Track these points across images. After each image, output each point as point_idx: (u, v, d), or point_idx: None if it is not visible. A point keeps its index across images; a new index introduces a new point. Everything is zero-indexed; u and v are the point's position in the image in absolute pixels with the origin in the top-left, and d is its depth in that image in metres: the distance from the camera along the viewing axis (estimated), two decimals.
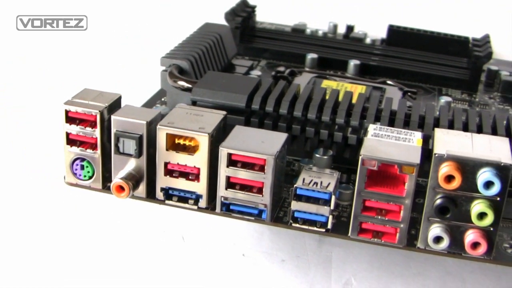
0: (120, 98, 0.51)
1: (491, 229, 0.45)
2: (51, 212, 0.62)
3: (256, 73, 0.70)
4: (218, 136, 0.48)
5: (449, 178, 0.44)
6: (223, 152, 0.47)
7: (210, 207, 0.49)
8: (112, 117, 0.48)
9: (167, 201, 0.50)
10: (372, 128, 0.49)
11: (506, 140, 0.46)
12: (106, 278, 0.55)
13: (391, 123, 0.52)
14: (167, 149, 0.48)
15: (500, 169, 0.43)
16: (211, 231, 0.60)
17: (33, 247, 0.57)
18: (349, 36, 0.85)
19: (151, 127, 0.48)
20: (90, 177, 0.51)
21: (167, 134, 0.47)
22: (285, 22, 0.91)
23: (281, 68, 0.73)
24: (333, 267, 0.57)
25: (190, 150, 0.48)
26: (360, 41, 0.84)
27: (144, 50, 0.71)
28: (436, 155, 0.44)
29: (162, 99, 0.65)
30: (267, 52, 0.78)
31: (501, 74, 0.76)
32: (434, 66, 0.76)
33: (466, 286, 0.56)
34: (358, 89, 0.68)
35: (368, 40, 0.84)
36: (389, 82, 0.72)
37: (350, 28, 0.87)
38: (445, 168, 0.44)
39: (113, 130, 0.48)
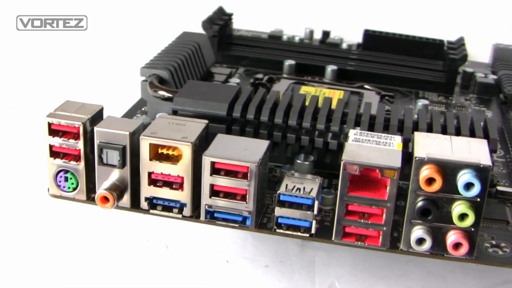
0: (102, 109, 0.51)
1: (472, 229, 0.45)
2: (35, 224, 0.61)
3: (235, 80, 0.71)
4: (200, 145, 0.49)
5: (430, 181, 0.45)
6: (206, 161, 0.47)
7: (195, 215, 0.50)
8: (95, 128, 0.48)
9: (151, 211, 0.50)
10: (352, 133, 0.49)
11: (484, 142, 0.47)
12: None
13: (371, 127, 0.53)
14: (150, 159, 0.48)
15: (480, 171, 0.44)
16: (194, 239, 0.60)
17: (17, 259, 0.57)
18: (325, 42, 0.86)
19: (134, 137, 0.49)
20: (74, 189, 0.51)
21: (150, 144, 0.48)
22: (261, 29, 0.92)
23: (260, 75, 0.74)
24: (317, 271, 0.58)
25: (173, 159, 0.48)
26: (336, 46, 0.84)
27: (143, 51, 0.71)
28: (417, 158, 0.45)
29: (143, 109, 0.65)
30: (245, 60, 0.78)
31: (476, 76, 0.77)
32: (410, 70, 0.77)
33: (448, 286, 0.57)
34: (336, 94, 0.68)
35: (344, 45, 0.85)
36: (366, 86, 0.72)
37: (326, 34, 0.88)
38: (426, 171, 0.44)
39: (96, 142, 0.49)
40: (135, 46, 0.96)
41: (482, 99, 0.74)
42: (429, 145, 0.46)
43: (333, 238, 0.48)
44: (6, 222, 0.62)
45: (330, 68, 0.75)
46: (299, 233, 0.48)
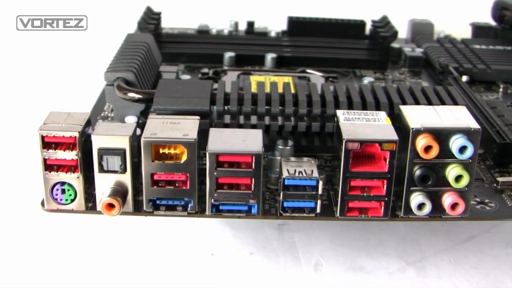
0: (90, 117, 0.51)
1: (466, 189, 0.49)
2: (26, 240, 0.60)
3: (185, 77, 0.71)
4: (199, 141, 0.49)
5: (427, 149, 0.48)
6: (210, 155, 0.48)
7: (199, 211, 0.50)
8: (93, 136, 0.48)
9: (155, 212, 0.50)
10: (340, 113, 0.51)
11: (463, 108, 0.51)
12: None
13: (350, 107, 0.55)
14: (152, 160, 0.48)
15: (471, 134, 0.48)
16: (173, 238, 0.61)
17: (14, 272, 0.56)
18: (253, 32, 0.88)
19: (132, 140, 0.48)
20: (72, 200, 0.50)
21: (152, 145, 0.48)
22: (184, 26, 0.92)
23: (205, 70, 0.75)
24: (300, 251, 0.60)
25: (174, 158, 0.49)
26: (265, 35, 0.86)
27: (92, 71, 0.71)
28: (413, 129, 0.48)
29: (102, 114, 0.64)
30: (183, 56, 0.79)
31: (404, 51, 0.82)
32: (342, 51, 0.80)
33: (423, 248, 0.61)
34: (285, 80, 0.70)
35: (272, 34, 0.87)
36: (308, 70, 0.75)
37: (250, 24, 0.89)
38: (423, 140, 0.47)
39: (95, 149, 0.48)
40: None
41: (414, 72, 0.79)
42: (419, 116, 0.49)
43: (337, 215, 0.50)
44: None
45: (270, 56, 0.77)
46: (304, 214, 0.50)
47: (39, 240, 0.60)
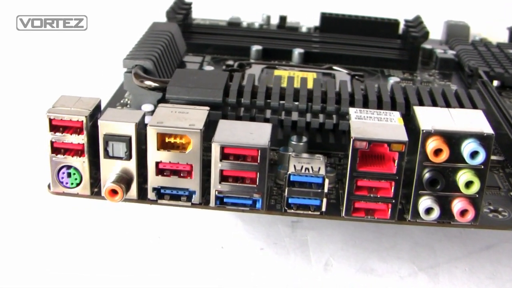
0: (100, 102, 0.51)
1: (477, 196, 0.48)
2: (34, 220, 0.61)
3: (209, 68, 0.71)
4: (206, 132, 0.49)
5: (437, 152, 0.46)
6: (216, 147, 0.47)
7: (203, 202, 0.50)
8: (100, 121, 0.48)
9: (159, 201, 0.50)
10: (353, 111, 0.50)
11: (480, 112, 0.50)
12: (86, 279, 0.55)
13: (365, 105, 0.54)
14: (158, 149, 0.48)
15: (483, 139, 0.46)
16: (185, 228, 0.60)
17: (19, 257, 0.56)
18: (284, 26, 0.87)
19: (139, 128, 0.48)
20: (78, 184, 0.50)
21: (158, 133, 0.48)
22: (217, 17, 0.92)
23: (230, 62, 0.74)
24: (311, 250, 0.59)
25: (180, 147, 0.48)
26: (296, 30, 0.86)
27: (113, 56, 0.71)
28: (424, 131, 0.46)
29: (122, 101, 0.65)
30: (210, 47, 0.78)
31: (436, 52, 0.80)
32: (372, 49, 0.79)
33: (437, 254, 0.59)
34: (310, 76, 0.70)
35: (303, 29, 0.86)
36: (335, 67, 0.74)
37: (283, 19, 0.89)
38: (433, 143, 0.46)
39: (101, 135, 0.48)
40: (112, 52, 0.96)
41: (444, 74, 0.77)
42: (431, 118, 0.48)
43: (343, 214, 0.49)
44: (6, 221, 0.61)
45: (297, 51, 0.76)
46: (309, 212, 0.49)
47: (46, 223, 0.60)
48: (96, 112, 0.50)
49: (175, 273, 0.56)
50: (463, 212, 0.48)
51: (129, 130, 0.48)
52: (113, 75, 0.80)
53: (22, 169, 0.67)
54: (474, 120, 0.48)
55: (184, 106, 0.51)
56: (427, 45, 0.80)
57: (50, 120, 0.49)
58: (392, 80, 0.70)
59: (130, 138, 0.48)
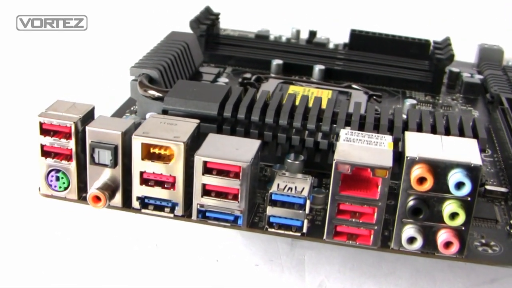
0: (93, 109, 0.51)
1: (463, 228, 0.46)
2: (26, 223, 0.61)
3: (223, 80, 0.71)
4: (192, 145, 0.49)
5: (421, 180, 0.45)
6: (198, 160, 0.47)
7: (186, 215, 0.50)
8: (87, 128, 0.48)
9: (143, 210, 0.50)
10: (343, 133, 0.50)
11: (474, 142, 0.48)
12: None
13: (361, 127, 0.53)
14: (142, 159, 0.48)
15: (471, 170, 0.45)
16: (184, 238, 0.60)
17: (8, 259, 0.57)
18: (312, 42, 0.86)
19: (126, 137, 0.49)
20: (66, 188, 0.51)
21: (142, 143, 0.48)
22: (248, 29, 0.92)
23: (248, 75, 0.74)
24: (307, 269, 0.58)
25: (165, 159, 0.48)
26: (323, 46, 0.85)
27: (136, 51, 0.72)
28: (408, 158, 0.45)
29: (132, 108, 0.65)
30: (232, 59, 0.78)
31: (462, 76, 0.78)
32: (396, 69, 0.77)
33: (437, 285, 0.57)
34: (324, 94, 0.69)
35: (331, 45, 0.85)
36: (354, 86, 0.73)
37: (312, 34, 0.88)
38: (417, 171, 0.45)
39: (88, 141, 0.48)
40: (134, 46, 0.96)
41: (468, 99, 0.75)
42: (420, 145, 0.47)
43: (324, 237, 0.48)
44: None
45: (318, 68, 0.76)
46: (290, 232, 0.48)
47: (39, 226, 0.61)
48: (88, 118, 0.50)
49: (166, 281, 0.56)
50: (447, 244, 0.46)
51: (115, 138, 0.48)
52: (113, 75, 0.81)
53: (20, 170, 0.68)
54: (465, 150, 0.46)
55: (175, 117, 0.51)
56: (454, 68, 0.78)
57: (41, 124, 0.49)
58: (409, 102, 0.69)
59: (116, 147, 0.48)
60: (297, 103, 0.55)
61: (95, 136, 0.48)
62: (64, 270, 0.56)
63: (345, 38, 0.86)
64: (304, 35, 0.89)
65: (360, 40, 0.84)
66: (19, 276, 0.55)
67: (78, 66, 0.92)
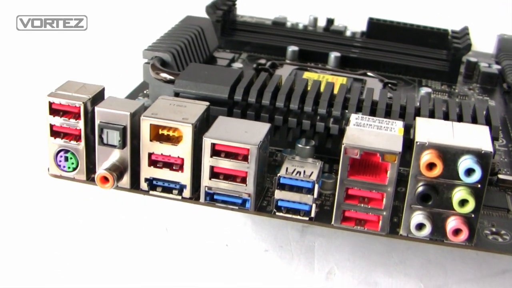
0: (103, 90, 0.51)
1: (472, 216, 0.45)
2: (35, 204, 0.61)
3: (237, 65, 0.70)
4: (201, 127, 0.48)
5: (431, 166, 0.44)
6: (206, 142, 0.47)
7: (194, 197, 0.50)
8: (96, 108, 0.48)
9: (151, 192, 0.50)
10: (354, 118, 0.49)
11: (486, 129, 0.47)
12: (91, 270, 0.55)
13: (373, 113, 0.52)
14: (150, 140, 0.48)
15: (481, 157, 0.44)
16: (194, 222, 0.60)
17: (18, 240, 0.57)
18: (329, 29, 0.86)
19: (135, 118, 0.48)
20: (74, 169, 0.51)
21: (150, 125, 0.48)
22: (265, 15, 0.91)
23: (262, 61, 0.74)
24: (316, 257, 0.58)
25: (174, 140, 0.48)
26: (340, 33, 0.84)
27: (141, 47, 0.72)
28: (418, 143, 0.44)
29: (145, 92, 0.65)
30: (248, 45, 0.78)
31: (480, 66, 0.77)
32: (413, 58, 0.77)
33: (448, 274, 0.57)
34: (339, 81, 0.68)
35: (348, 33, 0.85)
36: (369, 74, 0.72)
37: (330, 21, 0.87)
38: (427, 156, 0.44)
39: (96, 122, 0.48)
40: (134, 46, 0.96)
41: (485, 89, 0.74)
42: (430, 130, 0.46)
43: (332, 222, 0.48)
44: (6, 201, 0.62)
45: (333, 55, 0.75)
46: (298, 217, 0.48)
47: (48, 207, 0.61)
48: (98, 99, 0.50)
49: (176, 266, 0.56)
50: (456, 231, 0.46)
51: (124, 119, 0.48)
52: (113, 75, 0.81)
53: (25, 154, 0.68)
54: (476, 136, 0.46)
55: (185, 100, 0.51)
56: (472, 58, 0.77)
57: (50, 104, 0.49)
58: (424, 90, 0.68)
59: (124, 127, 0.48)
60: (309, 88, 0.55)
61: (103, 116, 0.48)
62: (73, 252, 0.56)
63: (363, 27, 0.86)
64: (322, 23, 0.88)
65: (378, 29, 0.83)
66: (27, 258, 0.56)
67: (78, 66, 0.91)
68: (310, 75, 0.69)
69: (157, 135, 0.48)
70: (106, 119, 0.48)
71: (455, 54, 0.74)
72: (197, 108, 0.49)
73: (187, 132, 0.47)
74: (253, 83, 0.55)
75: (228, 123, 0.49)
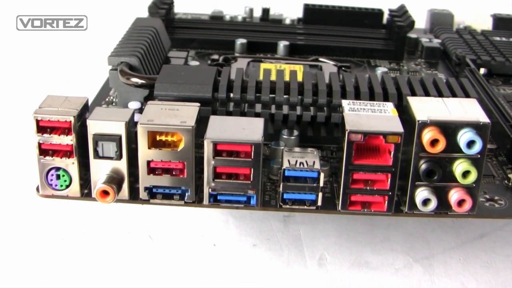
0: (87, 101, 0.50)
1: (474, 185, 0.47)
2: (22, 225, 0.59)
3: (194, 63, 0.70)
4: (197, 128, 0.48)
5: (434, 142, 0.46)
6: (208, 144, 0.46)
7: (196, 201, 0.49)
8: (89, 121, 0.47)
9: (151, 200, 0.49)
10: (346, 104, 0.50)
11: (474, 101, 0.49)
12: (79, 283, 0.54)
13: (357, 97, 0.53)
14: (149, 147, 0.47)
15: (480, 128, 0.46)
16: (175, 228, 0.59)
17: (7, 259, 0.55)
18: (268, 19, 0.86)
19: (129, 126, 0.47)
20: (67, 186, 0.49)
21: (148, 132, 0.46)
22: (200, 11, 0.91)
23: (215, 56, 0.73)
24: (304, 244, 0.58)
25: (172, 145, 0.47)
26: (279, 22, 0.85)
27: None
28: (420, 121, 0.46)
29: (107, 99, 0.63)
30: (194, 42, 0.77)
31: (421, 41, 0.79)
32: (358, 40, 0.78)
33: (431, 245, 0.59)
34: (296, 69, 0.69)
35: (287, 21, 0.85)
36: (321, 59, 0.73)
37: (265, 11, 0.88)
38: (429, 133, 0.45)
39: (90, 135, 0.47)
40: None
41: (430, 63, 0.77)
42: (426, 108, 0.47)
43: (339, 208, 0.49)
44: None
45: (282, 44, 0.76)
46: (305, 207, 0.48)
47: (35, 226, 0.59)
48: (84, 112, 0.49)
49: (168, 272, 0.55)
50: (460, 202, 0.47)
51: (119, 129, 0.47)
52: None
53: (16, 171, 0.67)
54: (469, 109, 0.47)
55: (173, 103, 0.50)
56: (412, 34, 0.80)
57: (37, 121, 0.47)
58: (380, 70, 0.70)
59: (120, 137, 0.47)
60: (274, 78, 0.55)
61: (97, 128, 0.47)
62: (62, 266, 0.55)
63: (298, 13, 0.86)
64: (257, 13, 0.89)
65: (314, 14, 0.84)
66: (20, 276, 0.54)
67: (78, 66, 0.91)
68: (267, 66, 0.70)
69: (155, 142, 0.47)
70: (100, 131, 0.47)
71: (399, 32, 0.76)
72: (190, 110, 0.49)
73: (187, 135, 0.46)
74: (233, 80, 0.54)
75: (223, 122, 0.49)
